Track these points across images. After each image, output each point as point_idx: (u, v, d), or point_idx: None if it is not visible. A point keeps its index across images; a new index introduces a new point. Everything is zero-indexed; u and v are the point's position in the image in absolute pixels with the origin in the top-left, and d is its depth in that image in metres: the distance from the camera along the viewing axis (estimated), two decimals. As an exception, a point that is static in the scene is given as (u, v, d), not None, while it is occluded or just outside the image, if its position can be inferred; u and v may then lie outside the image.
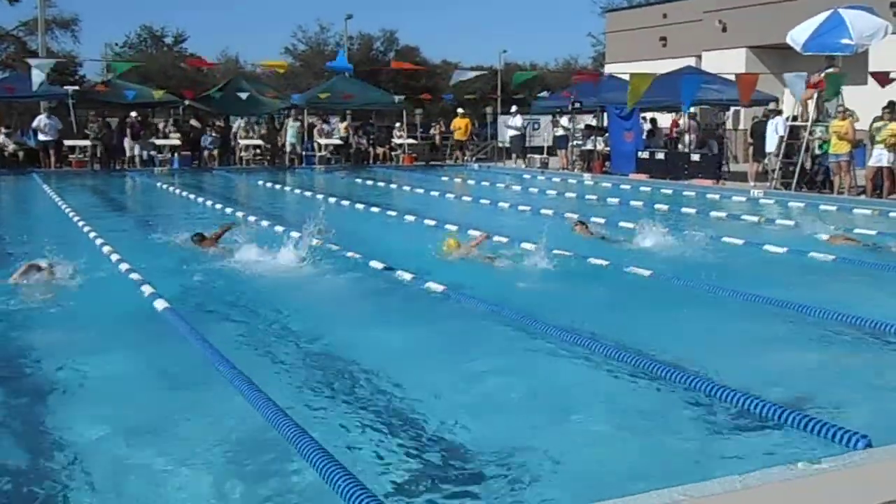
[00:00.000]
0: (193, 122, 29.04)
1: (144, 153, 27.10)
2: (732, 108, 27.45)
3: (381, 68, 47.17)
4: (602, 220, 13.86)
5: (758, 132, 21.55)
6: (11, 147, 26.11)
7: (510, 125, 30.79)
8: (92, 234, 11.91)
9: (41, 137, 25.92)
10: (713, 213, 15.47)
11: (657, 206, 16.51)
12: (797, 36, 18.94)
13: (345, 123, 30.49)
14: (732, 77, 24.08)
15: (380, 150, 31.07)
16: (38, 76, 25.33)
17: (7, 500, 4.12)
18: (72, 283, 8.59)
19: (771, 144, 20.22)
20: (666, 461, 4.44)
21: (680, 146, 24.91)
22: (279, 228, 12.19)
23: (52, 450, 4.63)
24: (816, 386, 5.68)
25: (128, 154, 27.00)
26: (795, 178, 19.21)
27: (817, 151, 19.51)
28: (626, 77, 26.89)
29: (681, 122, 25.51)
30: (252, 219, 13.81)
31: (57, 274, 8.71)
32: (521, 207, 16.48)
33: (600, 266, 9.64)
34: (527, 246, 10.50)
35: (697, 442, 4.69)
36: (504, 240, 11.26)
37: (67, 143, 26.37)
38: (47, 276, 8.63)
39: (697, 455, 4.51)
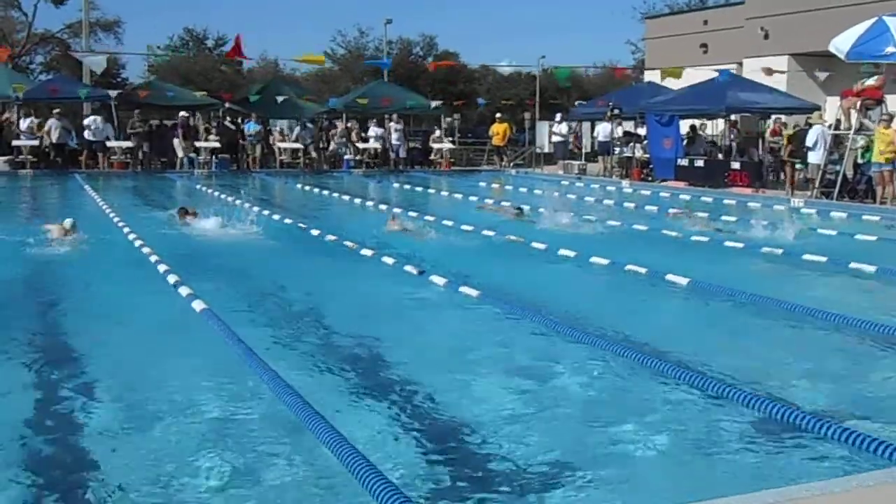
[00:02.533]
0: (229, 124, 29.23)
1: (185, 157, 27.41)
2: (773, 117, 27.17)
3: (420, 69, 47.24)
4: (644, 227, 13.81)
5: (799, 141, 21.29)
6: (55, 137, 26.22)
7: (555, 132, 30.70)
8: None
9: (87, 136, 26.20)
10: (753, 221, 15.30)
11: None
12: (840, 44, 18.69)
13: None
14: (774, 84, 23.97)
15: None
16: (96, 64, 25.90)
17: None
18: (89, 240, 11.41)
19: (814, 155, 19.92)
20: (701, 473, 4.37)
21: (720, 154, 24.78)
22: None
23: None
24: (856, 397, 5.58)
25: (180, 155, 27.32)
26: (837, 188, 18.97)
27: (860, 160, 19.26)
28: (664, 83, 27.05)
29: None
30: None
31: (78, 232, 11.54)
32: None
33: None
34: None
35: (735, 453, 4.60)
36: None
37: (110, 144, 26.66)
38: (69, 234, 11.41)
39: (734, 467, 4.42)
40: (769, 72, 24.89)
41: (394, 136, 29.91)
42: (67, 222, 11.66)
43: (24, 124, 25.98)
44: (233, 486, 4.18)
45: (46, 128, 26.28)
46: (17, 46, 49.32)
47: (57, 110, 26.52)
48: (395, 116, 30.04)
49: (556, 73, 35.17)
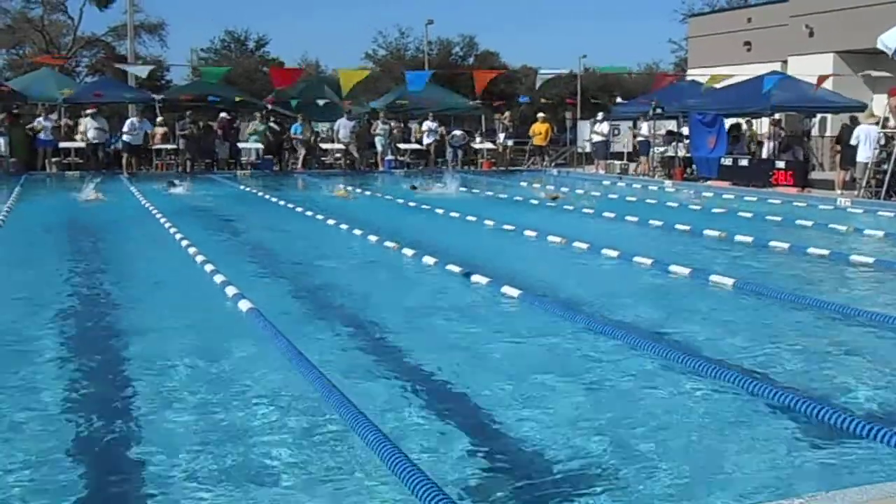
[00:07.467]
0: (273, 125, 29.45)
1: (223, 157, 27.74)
2: (819, 115, 26.83)
3: (459, 72, 47.19)
4: (686, 227, 13.69)
5: (845, 139, 21.00)
6: (91, 137, 26.25)
7: (596, 131, 30.46)
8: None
9: (125, 139, 26.27)
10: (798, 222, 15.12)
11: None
12: (888, 40, 18.41)
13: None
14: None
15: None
16: (140, 71, 26.48)
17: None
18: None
19: (860, 154, 19.62)
20: (744, 476, 4.32)
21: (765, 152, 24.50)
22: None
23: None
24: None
25: (219, 156, 27.57)
26: (885, 187, 18.66)
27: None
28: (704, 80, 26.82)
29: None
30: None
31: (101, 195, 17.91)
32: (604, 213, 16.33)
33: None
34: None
35: (775, 456, 4.54)
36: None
37: (156, 146, 26.98)
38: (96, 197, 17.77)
39: (775, 470, 4.37)
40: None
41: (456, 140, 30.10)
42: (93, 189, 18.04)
43: (43, 123, 25.93)
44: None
45: (82, 127, 26.56)
46: (64, 50, 50.16)
47: (90, 110, 26.59)
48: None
49: (608, 69, 35.41)
